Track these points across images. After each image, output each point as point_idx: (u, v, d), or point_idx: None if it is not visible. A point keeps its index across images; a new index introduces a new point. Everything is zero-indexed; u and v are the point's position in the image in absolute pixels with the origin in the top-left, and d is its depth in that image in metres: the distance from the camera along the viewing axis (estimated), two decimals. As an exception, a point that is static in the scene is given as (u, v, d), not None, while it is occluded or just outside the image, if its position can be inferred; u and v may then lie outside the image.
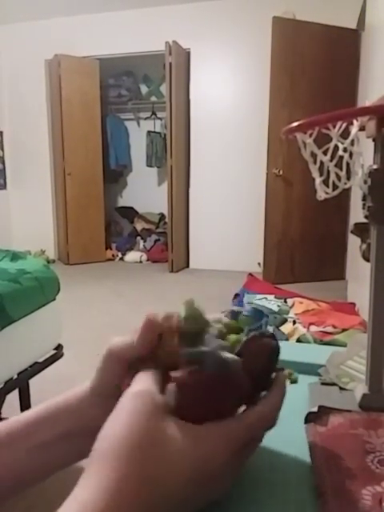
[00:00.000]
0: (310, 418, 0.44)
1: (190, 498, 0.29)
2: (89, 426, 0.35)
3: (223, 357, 0.32)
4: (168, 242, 4.78)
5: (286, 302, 2.68)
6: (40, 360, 1.59)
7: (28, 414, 0.36)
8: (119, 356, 0.36)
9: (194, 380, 0.32)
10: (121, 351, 0.36)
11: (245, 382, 0.33)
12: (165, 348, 0.35)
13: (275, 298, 2.74)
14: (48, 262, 4.74)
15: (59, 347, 1.69)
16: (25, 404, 1.66)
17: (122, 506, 0.25)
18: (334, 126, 0.40)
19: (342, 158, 0.41)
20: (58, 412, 0.36)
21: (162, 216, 5.85)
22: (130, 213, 6.00)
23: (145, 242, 5.55)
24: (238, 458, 0.31)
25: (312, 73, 3.82)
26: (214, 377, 0.32)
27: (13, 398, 1.57)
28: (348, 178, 0.41)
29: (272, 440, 0.38)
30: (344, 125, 0.40)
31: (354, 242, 3.30)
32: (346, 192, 3.92)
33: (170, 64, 4.39)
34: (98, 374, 0.37)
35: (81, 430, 0.35)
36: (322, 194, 0.42)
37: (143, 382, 0.32)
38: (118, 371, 0.36)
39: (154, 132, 5.73)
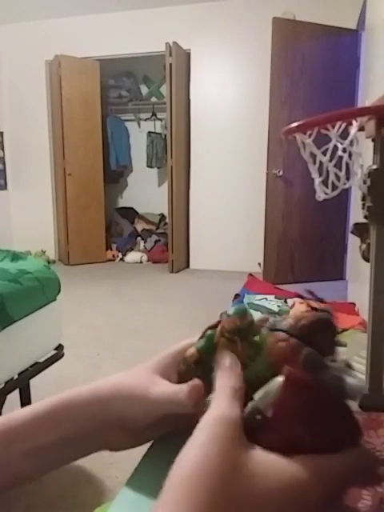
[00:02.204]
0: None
1: None
2: (91, 431, 0.34)
3: (352, 384, 0.27)
4: (168, 243, 4.78)
5: (286, 302, 2.67)
6: (40, 360, 1.59)
7: (25, 413, 0.34)
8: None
9: (308, 386, 0.26)
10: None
11: (358, 427, 0.27)
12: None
13: (275, 298, 2.73)
14: (48, 262, 4.74)
15: (60, 347, 1.69)
16: (25, 404, 1.66)
17: None
18: (334, 127, 0.40)
19: (341, 158, 0.41)
20: (59, 416, 0.34)
21: (163, 216, 5.86)
22: (130, 213, 6.00)
23: (145, 242, 5.55)
24: (331, 496, 0.26)
25: (312, 73, 3.82)
26: (333, 398, 0.26)
27: (13, 398, 1.57)
28: (347, 179, 0.41)
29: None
30: (343, 125, 0.41)
31: (353, 242, 3.30)
32: (346, 192, 3.92)
33: (170, 65, 4.40)
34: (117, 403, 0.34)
35: (82, 436, 0.34)
36: (321, 194, 0.42)
37: (225, 403, 0.28)
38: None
39: (155, 133, 5.74)
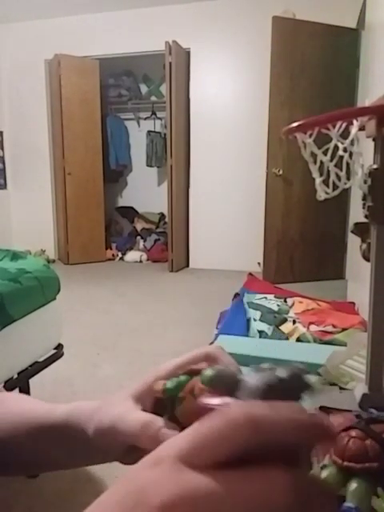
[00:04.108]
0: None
1: None
2: (89, 450, 0.36)
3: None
4: (168, 242, 4.79)
5: (285, 301, 2.68)
6: (40, 359, 1.59)
7: (56, 418, 0.37)
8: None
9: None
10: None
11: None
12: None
13: (275, 297, 2.73)
14: (48, 261, 4.74)
15: (59, 347, 1.69)
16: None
17: None
18: (334, 126, 0.40)
19: (341, 157, 0.41)
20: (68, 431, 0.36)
21: (162, 216, 5.86)
22: (130, 212, 6.00)
23: (145, 241, 5.55)
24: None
25: (312, 72, 3.82)
26: None
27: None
28: (348, 178, 0.41)
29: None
30: (344, 125, 0.40)
31: (353, 242, 3.30)
32: (347, 192, 3.92)
33: (170, 64, 4.39)
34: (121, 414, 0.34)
35: (92, 451, 0.36)
36: (322, 194, 0.42)
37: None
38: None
39: (154, 132, 5.74)
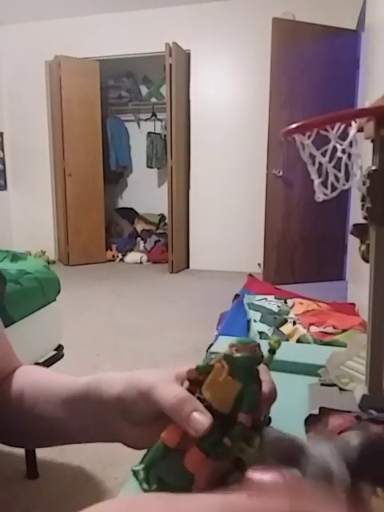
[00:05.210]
0: (310, 420, 0.44)
1: None
2: (107, 420, 0.37)
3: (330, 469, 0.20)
4: (168, 243, 4.79)
5: (286, 302, 2.67)
6: (40, 360, 1.59)
7: (72, 388, 0.39)
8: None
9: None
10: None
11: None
12: (214, 383, 0.31)
13: (275, 298, 2.73)
14: (48, 262, 4.74)
15: (59, 348, 1.69)
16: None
17: None
18: (333, 128, 0.40)
19: (340, 159, 0.41)
20: (86, 398, 0.38)
21: (162, 217, 5.86)
22: (130, 214, 6.01)
23: (145, 242, 5.55)
24: None
25: (312, 74, 3.82)
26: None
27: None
28: (347, 180, 0.41)
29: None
30: (342, 126, 0.41)
31: (353, 243, 3.30)
32: (347, 193, 3.92)
33: (170, 65, 4.40)
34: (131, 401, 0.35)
35: (103, 421, 0.38)
36: (320, 195, 0.42)
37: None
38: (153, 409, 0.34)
39: (155, 133, 5.74)
